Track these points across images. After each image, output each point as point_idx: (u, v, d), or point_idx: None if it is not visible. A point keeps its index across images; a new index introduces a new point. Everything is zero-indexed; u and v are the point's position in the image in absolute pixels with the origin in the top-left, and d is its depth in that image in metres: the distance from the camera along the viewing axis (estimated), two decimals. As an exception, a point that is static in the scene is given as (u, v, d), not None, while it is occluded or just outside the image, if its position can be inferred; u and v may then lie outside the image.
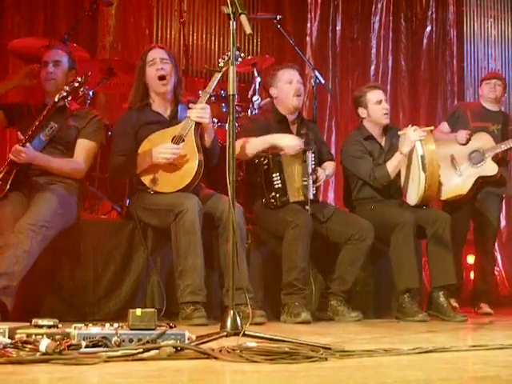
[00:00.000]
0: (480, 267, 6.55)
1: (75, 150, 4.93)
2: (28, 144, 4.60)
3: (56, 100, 4.61)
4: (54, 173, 4.79)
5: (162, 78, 5.00)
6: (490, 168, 6.19)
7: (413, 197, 5.54)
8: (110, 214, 5.98)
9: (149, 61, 5.01)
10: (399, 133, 5.65)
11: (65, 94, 4.61)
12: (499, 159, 6.24)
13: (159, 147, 4.81)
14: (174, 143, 4.83)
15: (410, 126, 5.56)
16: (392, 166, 5.54)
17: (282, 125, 5.47)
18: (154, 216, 4.88)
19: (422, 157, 5.37)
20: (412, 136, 5.41)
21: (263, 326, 4.46)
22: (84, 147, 4.95)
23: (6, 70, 6.95)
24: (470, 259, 7.17)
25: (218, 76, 4.82)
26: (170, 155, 4.76)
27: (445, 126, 6.61)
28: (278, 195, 5.15)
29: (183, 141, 4.83)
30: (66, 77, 4.98)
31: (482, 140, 6.25)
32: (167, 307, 4.83)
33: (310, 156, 5.24)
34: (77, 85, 4.63)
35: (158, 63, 5.00)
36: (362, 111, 5.79)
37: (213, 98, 6.09)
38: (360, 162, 5.70)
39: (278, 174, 5.14)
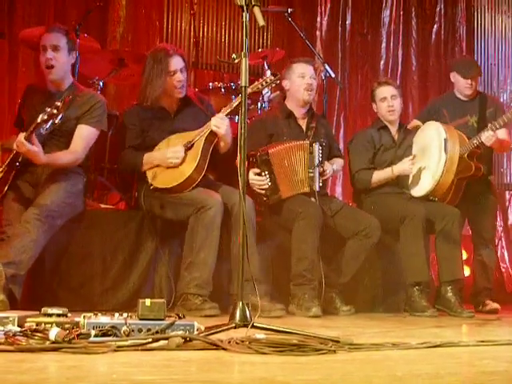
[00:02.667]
0: (480, 263, 6.15)
1: (74, 136, 4.79)
2: (34, 136, 4.48)
3: (38, 121, 4.35)
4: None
5: (180, 86, 5.08)
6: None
7: (426, 183, 5.55)
8: (119, 205, 6.00)
9: (170, 71, 5.02)
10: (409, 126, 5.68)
11: (46, 117, 4.33)
12: (478, 155, 5.72)
13: (168, 151, 4.91)
14: (186, 147, 4.91)
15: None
16: (378, 178, 5.62)
17: (289, 120, 5.49)
18: (170, 207, 4.93)
19: (446, 140, 5.43)
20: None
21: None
22: (84, 134, 4.82)
23: (17, 58, 6.96)
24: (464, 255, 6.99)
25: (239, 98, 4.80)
26: (176, 160, 4.88)
27: (416, 124, 6.14)
28: (268, 193, 5.18)
29: (192, 145, 4.91)
30: (67, 61, 4.88)
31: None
32: (175, 298, 4.83)
33: (317, 148, 5.24)
34: (55, 111, 4.32)
35: (178, 75, 5.05)
36: (374, 106, 5.86)
37: (222, 90, 6.13)
38: (357, 156, 5.74)
39: (266, 172, 5.16)
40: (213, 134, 4.90)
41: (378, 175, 5.61)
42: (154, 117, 5.10)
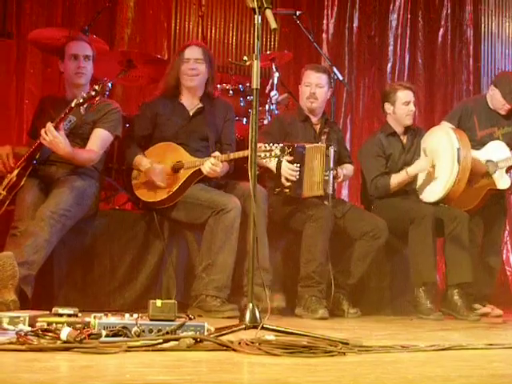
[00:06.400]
0: (487, 267, 5.99)
1: (90, 138, 4.87)
2: (62, 125, 4.60)
3: (72, 105, 4.52)
4: (71, 162, 4.77)
5: (192, 74, 5.15)
6: (502, 181, 5.75)
7: (437, 191, 5.56)
8: (126, 206, 6.00)
9: (185, 58, 5.13)
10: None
11: (81, 100, 4.50)
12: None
13: (156, 172, 4.93)
14: (175, 167, 4.96)
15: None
16: (395, 182, 5.61)
17: (305, 124, 5.55)
18: (182, 208, 4.95)
19: (459, 149, 5.44)
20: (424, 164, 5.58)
21: (281, 317, 4.52)
22: (100, 136, 4.89)
23: (25, 59, 6.96)
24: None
25: (245, 152, 4.73)
26: (158, 182, 4.91)
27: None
28: (292, 186, 5.14)
29: (179, 170, 4.95)
30: (92, 71, 5.00)
31: (497, 149, 5.78)
32: (182, 299, 4.84)
33: (332, 151, 5.24)
34: (93, 93, 4.51)
35: (191, 63, 5.12)
36: (388, 107, 5.81)
37: (231, 92, 6.15)
38: (371, 163, 5.75)
39: (298, 165, 5.13)
40: (201, 172, 4.89)
41: (395, 179, 5.61)
42: (172, 112, 5.16)
